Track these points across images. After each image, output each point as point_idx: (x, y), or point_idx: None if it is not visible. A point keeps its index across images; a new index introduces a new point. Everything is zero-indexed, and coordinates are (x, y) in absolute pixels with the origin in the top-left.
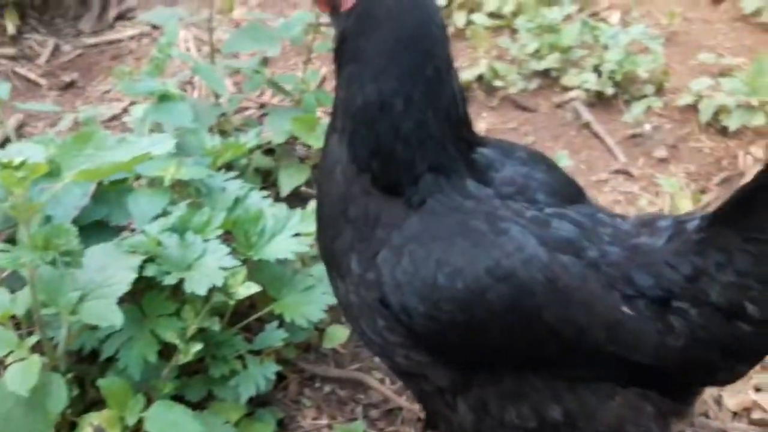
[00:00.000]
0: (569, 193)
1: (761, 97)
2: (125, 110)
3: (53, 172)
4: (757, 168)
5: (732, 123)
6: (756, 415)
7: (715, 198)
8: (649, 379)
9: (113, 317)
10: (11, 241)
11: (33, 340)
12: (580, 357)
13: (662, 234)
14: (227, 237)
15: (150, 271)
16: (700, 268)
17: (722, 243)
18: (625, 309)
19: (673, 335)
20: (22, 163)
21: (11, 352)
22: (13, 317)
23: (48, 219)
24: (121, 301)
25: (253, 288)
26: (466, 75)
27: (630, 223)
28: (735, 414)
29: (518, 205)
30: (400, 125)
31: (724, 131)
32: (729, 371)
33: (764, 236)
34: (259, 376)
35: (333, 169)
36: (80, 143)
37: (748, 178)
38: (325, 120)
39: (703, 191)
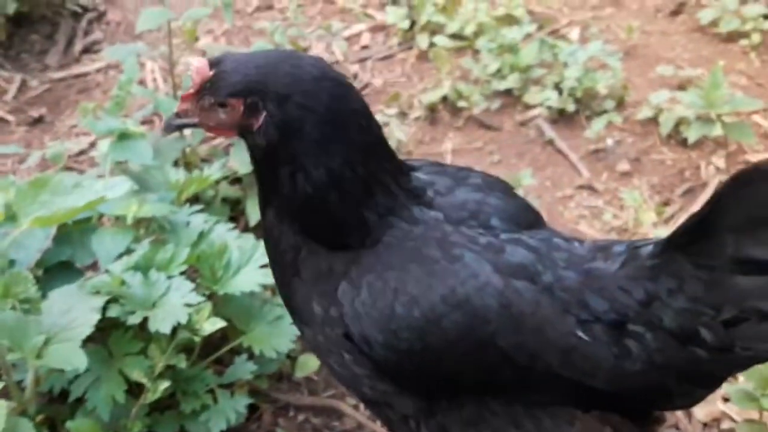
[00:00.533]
0: (526, 218)
1: (716, 110)
2: (92, 145)
3: (11, 218)
4: (720, 178)
5: (692, 135)
6: (725, 425)
7: (679, 209)
8: (609, 402)
9: (77, 361)
10: None
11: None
12: (535, 382)
13: (617, 259)
14: (193, 271)
15: (114, 311)
16: (653, 293)
17: (674, 269)
18: (580, 334)
19: (630, 360)
20: None
21: None
22: None
23: (12, 263)
24: (88, 341)
25: (218, 323)
26: (430, 96)
27: (585, 248)
28: (705, 425)
29: (472, 231)
30: (351, 190)
31: (685, 143)
32: (688, 396)
33: (715, 263)
34: (230, 409)
35: (278, 242)
36: (37, 189)
37: (711, 188)
38: None
39: (666, 203)
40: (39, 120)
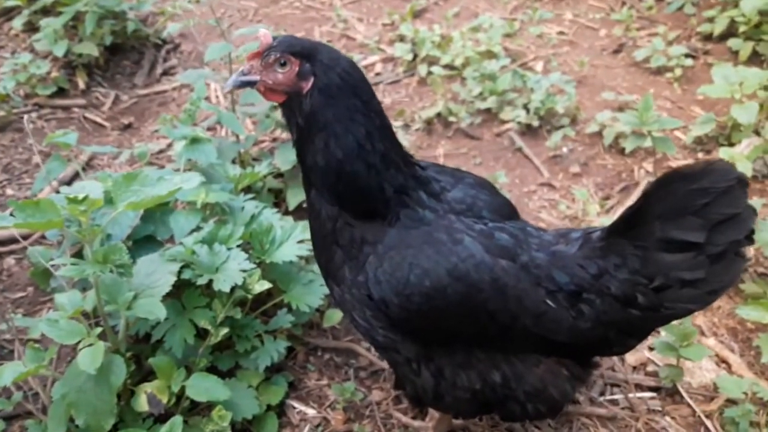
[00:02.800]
0: (507, 212)
1: (647, 127)
2: (169, 145)
3: (110, 202)
4: (648, 179)
5: (628, 146)
6: (650, 368)
7: (617, 202)
8: (565, 350)
9: (158, 312)
10: (78, 255)
11: (98, 330)
12: (512, 336)
13: (575, 243)
14: (247, 244)
15: (187, 274)
16: (603, 268)
17: (618, 249)
18: (549, 302)
19: (583, 320)
20: (84, 198)
21: (82, 339)
22: (84, 312)
23: (108, 237)
24: (167, 296)
25: (265, 285)
26: (428, 113)
27: (551, 235)
28: (634, 368)
29: (469, 220)
30: (372, 161)
31: (622, 151)
32: (623, 345)
33: (647, 243)
34: (273, 350)
35: (319, 214)
36: (129, 181)
37: (642, 186)
38: None
39: (607, 198)
40: (128, 126)
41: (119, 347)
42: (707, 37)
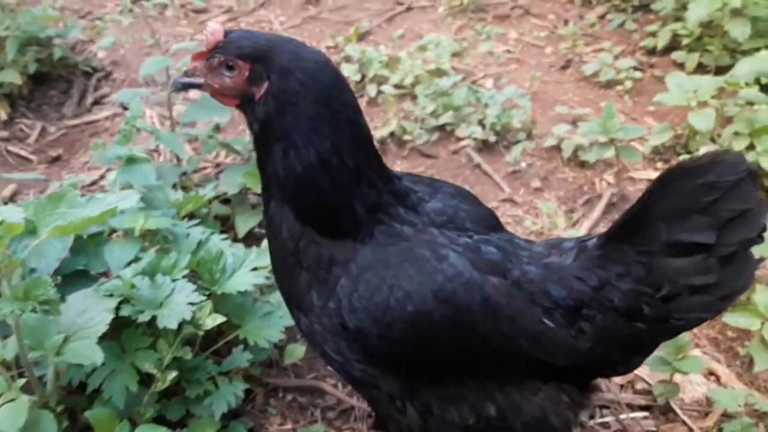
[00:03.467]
0: (492, 223)
1: (611, 135)
2: (102, 176)
3: (32, 231)
4: (611, 191)
5: (591, 156)
6: (639, 385)
7: (582, 215)
8: (564, 374)
9: (94, 356)
10: None
11: (21, 381)
12: (507, 361)
13: (569, 253)
14: (194, 276)
15: (126, 311)
16: (604, 278)
17: (620, 257)
18: (547, 321)
19: (584, 338)
20: (0, 224)
21: (2, 394)
22: (3, 362)
23: (32, 271)
24: (102, 339)
25: (218, 319)
26: (381, 132)
27: (541, 246)
28: (622, 386)
29: (452, 233)
30: (340, 177)
31: (582, 164)
32: (627, 364)
33: (652, 248)
34: (230, 393)
35: (279, 230)
36: (54, 203)
37: (605, 198)
38: None
39: (571, 211)
40: (57, 159)
41: (48, 401)
42: (651, 51)
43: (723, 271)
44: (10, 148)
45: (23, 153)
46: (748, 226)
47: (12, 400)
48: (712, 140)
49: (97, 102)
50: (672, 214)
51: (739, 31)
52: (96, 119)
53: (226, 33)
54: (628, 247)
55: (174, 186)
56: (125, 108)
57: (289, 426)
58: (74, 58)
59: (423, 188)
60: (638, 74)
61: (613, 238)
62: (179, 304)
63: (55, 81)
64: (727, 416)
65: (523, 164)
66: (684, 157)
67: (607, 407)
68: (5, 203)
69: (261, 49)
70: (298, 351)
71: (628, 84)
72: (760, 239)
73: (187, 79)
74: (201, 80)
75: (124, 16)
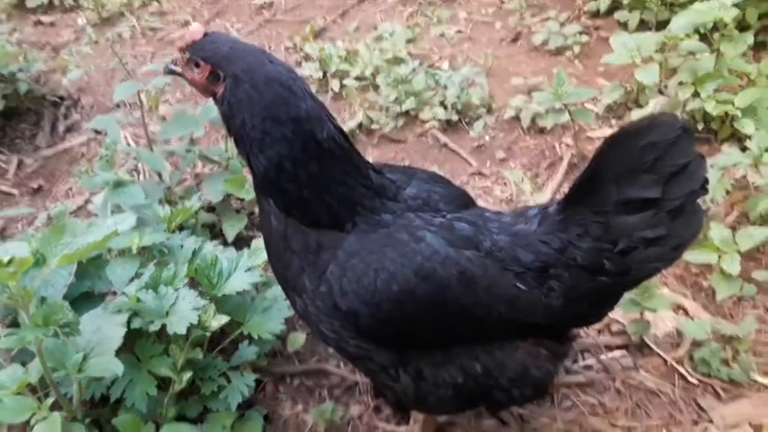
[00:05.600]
0: (463, 200)
1: (563, 100)
2: (87, 201)
3: (39, 262)
4: (570, 152)
5: (548, 122)
6: (614, 327)
7: (546, 179)
8: (541, 330)
9: (115, 368)
10: (14, 324)
11: (50, 401)
12: (489, 326)
13: (533, 220)
14: (193, 283)
15: (136, 323)
16: (566, 240)
17: (578, 219)
18: (519, 285)
19: (554, 296)
20: (11, 260)
21: (33, 414)
22: (29, 385)
23: (43, 300)
24: (118, 352)
25: (223, 319)
26: (349, 125)
27: (509, 216)
28: (599, 331)
29: (427, 215)
30: (298, 179)
31: (542, 131)
32: (597, 315)
33: (605, 208)
34: (242, 385)
35: (269, 219)
36: (58, 234)
37: (565, 160)
38: (250, 177)
39: (536, 176)
40: (38, 189)
41: (76, 415)
42: (595, 14)
43: (673, 224)
44: None
45: (4, 188)
46: (690, 178)
47: (44, 418)
48: (660, 92)
49: (68, 129)
50: (620, 174)
51: None
52: (70, 146)
53: (205, 34)
54: (584, 209)
55: (160, 201)
56: (98, 132)
57: (300, 408)
58: (40, 89)
59: (399, 176)
60: (585, 38)
61: (570, 202)
62: (185, 310)
63: (24, 114)
64: (697, 344)
65: (487, 138)
66: (635, 111)
67: (588, 351)
68: None
69: (219, 55)
70: (299, 339)
71: (577, 49)
72: (703, 191)
73: (173, 67)
74: (179, 70)
75: (90, 47)
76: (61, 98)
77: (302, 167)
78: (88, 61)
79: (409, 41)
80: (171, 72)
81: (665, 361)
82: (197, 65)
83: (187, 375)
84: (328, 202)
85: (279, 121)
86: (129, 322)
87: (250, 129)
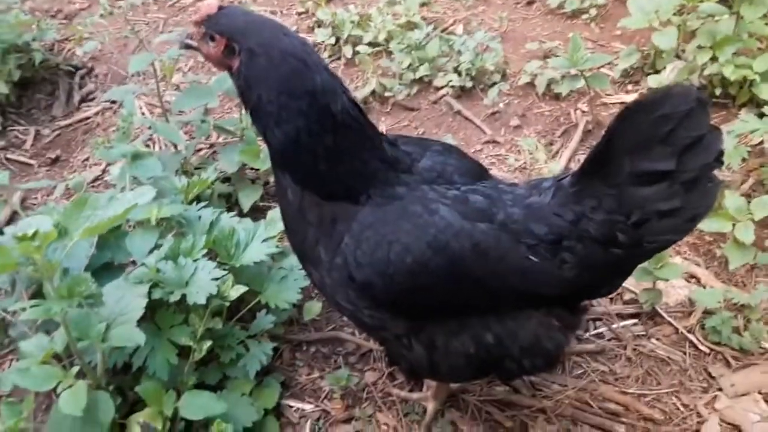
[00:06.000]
0: (477, 172)
1: (579, 66)
2: (104, 171)
3: (61, 234)
4: (586, 119)
5: (563, 89)
6: (627, 296)
7: (561, 146)
8: (553, 300)
9: (137, 337)
10: (37, 295)
11: (75, 369)
12: (501, 297)
13: (547, 192)
14: (211, 254)
15: (157, 293)
16: (579, 213)
17: (592, 191)
18: (531, 257)
19: (567, 267)
20: (35, 234)
21: (59, 382)
22: (55, 354)
23: (65, 271)
24: (139, 322)
25: (241, 289)
26: (362, 92)
27: (523, 188)
28: (611, 300)
29: (441, 187)
30: (314, 152)
31: (557, 97)
32: (610, 285)
33: (619, 180)
34: (260, 353)
35: (285, 192)
36: (79, 207)
37: (581, 126)
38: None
39: (551, 143)
40: (56, 160)
41: (100, 383)
42: None
43: (687, 196)
44: (9, 155)
45: (22, 159)
46: (705, 150)
47: (70, 386)
48: (678, 57)
49: (84, 99)
50: (634, 147)
51: None
52: (86, 116)
53: (220, 7)
54: (598, 182)
55: (176, 173)
56: (113, 102)
57: (316, 374)
58: (54, 59)
59: (414, 148)
60: (602, 0)
61: (584, 175)
62: (204, 280)
63: (39, 84)
64: (708, 313)
65: (501, 105)
66: (652, 77)
67: (600, 319)
68: (17, 213)
69: (234, 29)
70: (315, 308)
71: (593, 12)
72: (718, 163)
73: (188, 41)
74: (195, 44)
75: (104, 19)
76: (76, 67)
77: (318, 140)
78: (100, 29)
79: (422, 4)
80: (187, 46)
81: (676, 330)
82: (212, 39)
83: (207, 344)
84: (343, 174)
85: (294, 95)
86: (150, 292)
87: (266, 103)
